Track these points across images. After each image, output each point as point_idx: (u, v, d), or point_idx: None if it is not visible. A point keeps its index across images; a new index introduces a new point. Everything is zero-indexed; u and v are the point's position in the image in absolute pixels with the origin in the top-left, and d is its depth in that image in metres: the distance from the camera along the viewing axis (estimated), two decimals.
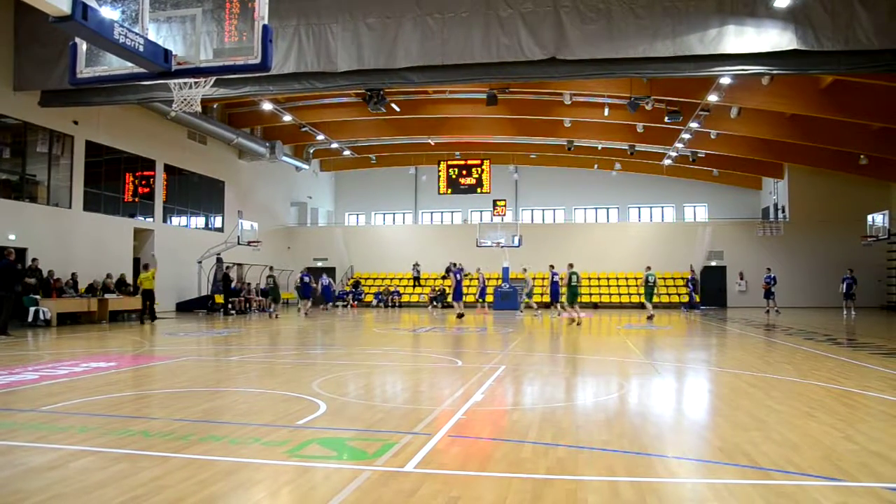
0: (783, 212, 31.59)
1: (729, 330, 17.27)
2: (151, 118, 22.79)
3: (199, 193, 27.06)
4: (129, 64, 5.42)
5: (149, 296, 19.09)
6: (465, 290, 24.91)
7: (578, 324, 18.29)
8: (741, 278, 31.22)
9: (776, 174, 31.40)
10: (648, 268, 22.63)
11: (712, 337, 15.22)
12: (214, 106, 25.66)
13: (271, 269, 24.13)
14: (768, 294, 24.57)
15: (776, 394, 6.96)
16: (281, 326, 17.83)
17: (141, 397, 6.93)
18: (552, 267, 23.26)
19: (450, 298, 25.61)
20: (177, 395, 6.92)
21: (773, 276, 24.76)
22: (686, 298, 29.53)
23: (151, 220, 23.83)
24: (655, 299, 22.62)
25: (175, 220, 25.72)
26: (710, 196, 35.28)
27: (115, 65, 5.48)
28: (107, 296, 19.11)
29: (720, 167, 31.94)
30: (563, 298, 19.73)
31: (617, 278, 32.72)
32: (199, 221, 27.58)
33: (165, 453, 4.43)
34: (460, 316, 21.19)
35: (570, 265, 19.64)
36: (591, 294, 31.98)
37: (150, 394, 7.17)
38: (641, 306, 30.32)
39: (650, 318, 20.80)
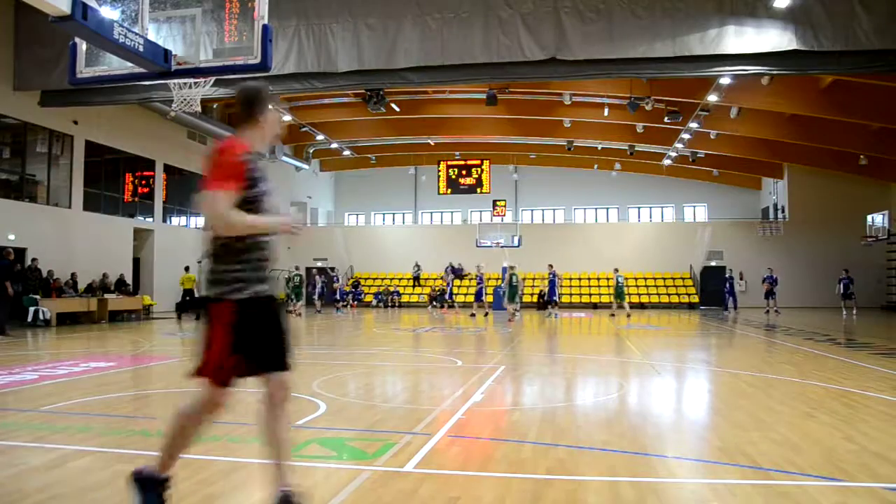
0: (783, 212, 31.59)
1: (728, 329, 17.26)
2: (151, 118, 22.76)
3: (198, 194, 27.02)
4: (129, 64, 5.42)
5: (189, 295, 20.39)
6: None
7: (512, 319, 19.70)
8: (741, 278, 31.19)
9: (776, 174, 31.40)
10: (616, 269, 23.23)
11: (712, 337, 15.22)
12: (214, 106, 25.61)
13: (297, 268, 24.82)
14: (769, 294, 24.56)
15: (776, 394, 6.96)
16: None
17: (140, 397, 6.93)
18: (551, 266, 23.31)
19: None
20: (176, 394, 6.91)
21: (774, 276, 24.75)
22: (694, 299, 29.55)
23: (151, 220, 23.82)
24: (628, 299, 23.68)
25: (175, 220, 25.68)
26: (709, 196, 35.27)
27: (114, 65, 5.48)
28: (106, 296, 19.12)
29: (720, 167, 31.93)
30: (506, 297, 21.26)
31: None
32: (198, 221, 27.52)
33: None
34: (486, 315, 21.23)
35: (512, 266, 21.10)
36: (590, 294, 31.99)
37: (149, 393, 7.17)
38: (641, 306, 30.38)
39: (620, 315, 21.77)
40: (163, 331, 16.14)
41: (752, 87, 20.20)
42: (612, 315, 21.85)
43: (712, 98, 20.51)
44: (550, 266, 23.35)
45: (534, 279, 30.67)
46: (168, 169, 24.57)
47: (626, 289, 23.05)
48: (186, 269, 21.36)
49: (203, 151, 26.68)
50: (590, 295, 31.93)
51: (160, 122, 23.18)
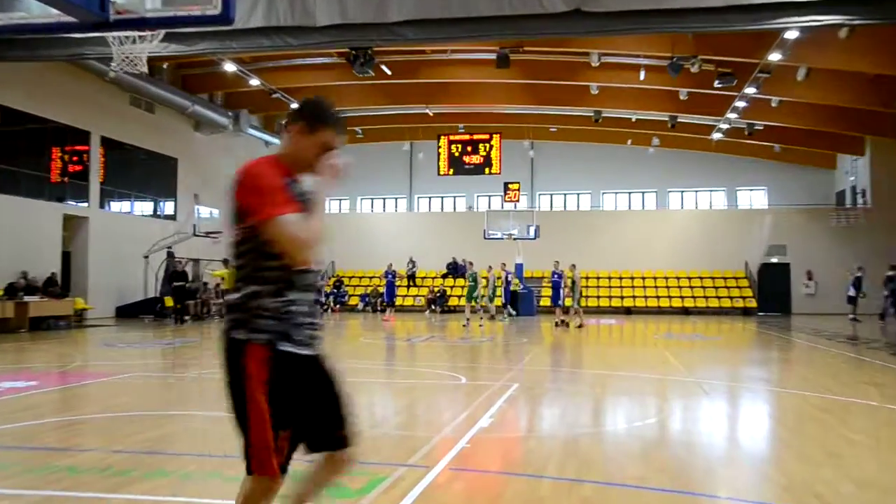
0: (863, 196, 31.42)
1: (794, 341, 17.23)
2: (85, 80, 22.63)
3: (145, 173, 26.98)
4: (55, 11, 5.35)
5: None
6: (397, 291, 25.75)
7: (464, 325, 21.00)
8: (809, 279, 31.09)
9: (855, 150, 31.21)
10: (471, 262, 24.53)
11: (773, 350, 15.19)
12: (164, 66, 25.52)
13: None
14: (852, 300, 24.45)
15: (855, 421, 6.93)
16: None
17: (69, 424, 6.90)
18: (504, 265, 24.61)
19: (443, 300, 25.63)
20: (115, 420, 6.89)
21: (859, 275, 24.62)
22: (751, 303, 29.24)
23: (86, 204, 23.75)
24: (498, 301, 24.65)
25: (115, 206, 25.63)
26: (770, 178, 35.11)
27: (35, 11, 5.40)
28: (27, 298, 18.93)
29: (783, 142, 31.78)
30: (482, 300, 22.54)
31: (654, 278, 32.68)
32: (145, 207, 27.49)
33: (100, 494, 4.37)
34: (566, 324, 21.18)
35: (470, 263, 22.98)
36: (622, 297, 31.96)
37: (80, 420, 7.13)
38: (685, 312, 30.38)
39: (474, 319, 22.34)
40: (100, 341, 16.11)
41: (826, 41, 20.00)
42: (464, 325, 21.36)
43: (774, 57, 20.35)
44: (503, 265, 24.58)
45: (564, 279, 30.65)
46: (107, 142, 24.49)
47: (481, 289, 23.28)
48: (226, 262, 20.01)
49: (151, 121, 26.50)
50: (622, 298, 31.91)
51: (96, 85, 23.08)
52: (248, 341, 2.73)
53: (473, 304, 22.23)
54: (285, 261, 2.75)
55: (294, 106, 3.02)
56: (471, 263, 22.98)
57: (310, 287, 2.88)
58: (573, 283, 21.22)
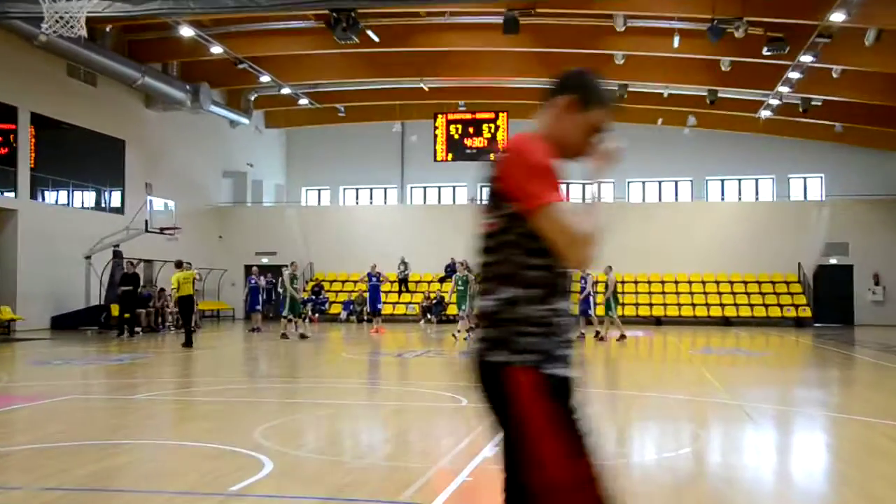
0: None
1: (858, 358, 17.21)
2: (10, 45, 22.50)
3: (86, 158, 26.89)
4: None
5: (188, 305, 18.60)
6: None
7: (454, 336, 21.55)
8: (876, 283, 31.05)
9: None
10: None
11: (832, 368, 15.17)
12: (108, 29, 25.45)
13: (293, 265, 22.53)
14: None
15: None
16: (210, 351, 17.80)
17: None
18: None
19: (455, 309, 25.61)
20: (51, 451, 6.85)
21: None
22: (805, 312, 29.30)
23: (13, 195, 23.65)
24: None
25: (50, 197, 25.60)
26: (829, 162, 35.08)
27: None
28: None
29: (846, 120, 31.69)
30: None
31: (689, 282, 32.64)
32: (86, 198, 27.43)
33: None
34: (602, 338, 20.91)
35: (461, 263, 22.64)
36: (651, 305, 31.92)
37: (8, 451, 7.10)
38: (726, 322, 30.38)
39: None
40: (32, 357, 16.07)
41: None
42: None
43: (837, 17, 20.21)
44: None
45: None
46: (38, 120, 24.37)
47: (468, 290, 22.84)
48: (180, 264, 19.46)
49: (93, 96, 26.33)
50: (650, 305, 31.88)
51: (25, 52, 22.97)
52: (509, 364, 2.54)
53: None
54: (553, 259, 2.63)
55: (559, 77, 3.02)
56: (461, 264, 22.51)
57: (568, 294, 2.74)
58: (606, 287, 20.97)
